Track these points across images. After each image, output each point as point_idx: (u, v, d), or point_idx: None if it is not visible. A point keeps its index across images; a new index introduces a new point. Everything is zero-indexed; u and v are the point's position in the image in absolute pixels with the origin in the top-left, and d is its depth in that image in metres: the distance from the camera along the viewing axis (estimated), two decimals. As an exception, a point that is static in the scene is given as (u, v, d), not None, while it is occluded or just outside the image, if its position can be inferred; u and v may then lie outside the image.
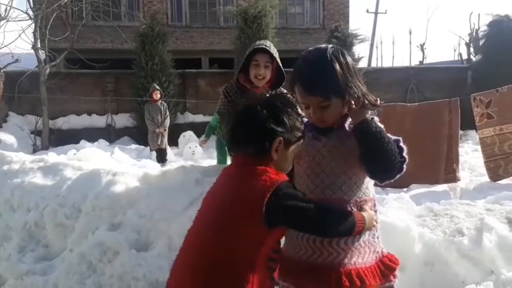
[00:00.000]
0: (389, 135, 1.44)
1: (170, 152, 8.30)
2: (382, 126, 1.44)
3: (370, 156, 1.37)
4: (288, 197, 1.26)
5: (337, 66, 1.39)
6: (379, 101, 1.48)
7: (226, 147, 4.65)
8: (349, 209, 1.40)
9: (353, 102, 1.42)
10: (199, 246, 1.30)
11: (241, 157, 1.35)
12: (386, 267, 1.45)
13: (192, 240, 1.35)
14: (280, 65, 2.89)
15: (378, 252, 1.46)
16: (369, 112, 1.42)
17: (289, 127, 1.32)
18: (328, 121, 1.45)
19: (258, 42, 2.88)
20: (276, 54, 2.85)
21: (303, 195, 1.31)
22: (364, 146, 1.37)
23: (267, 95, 1.44)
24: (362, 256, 1.40)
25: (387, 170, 1.42)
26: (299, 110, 1.41)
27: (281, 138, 1.31)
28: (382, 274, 1.43)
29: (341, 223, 1.31)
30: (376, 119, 1.45)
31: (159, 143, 7.59)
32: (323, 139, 1.47)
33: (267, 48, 2.79)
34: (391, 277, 1.46)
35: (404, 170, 1.45)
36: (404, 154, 1.46)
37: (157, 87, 7.97)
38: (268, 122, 1.30)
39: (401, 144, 1.47)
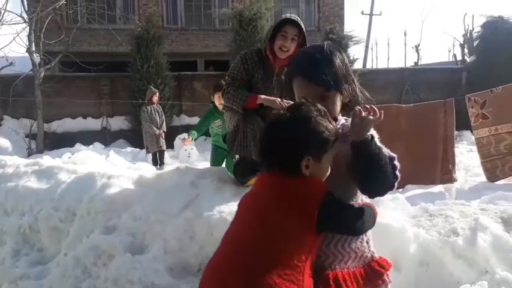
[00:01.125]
0: (385, 150, 1.44)
1: (166, 154, 8.30)
2: (381, 146, 1.43)
3: (364, 176, 1.37)
4: (336, 204, 1.30)
5: (337, 60, 1.44)
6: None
7: (221, 150, 4.62)
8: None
9: (349, 100, 1.48)
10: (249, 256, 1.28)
11: (275, 172, 1.34)
12: (373, 271, 1.44)
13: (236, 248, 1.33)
14: (306, 40, 2.88)
15: (366, 256, 1.46)
16: (371, 130, 1.40)
17: (318, 143, 1.31)
18: (328, 112, 1.44)
19: (288, 15, 2.89)
20: (304, 29, 2.86)
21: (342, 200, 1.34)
22: (360, 164, 1.36)
23: (295, 107, 1.36)
24: (346, 261, 1.40)
25: (379, 190, 1.43)
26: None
27: (308, 157, 1.29)
28: (368, 279, 1.42)
29: (370, 221, 1.41)
30: (376, 137, 1.44)
31: (160, 144, 7.60)
32: None
33: (297, 21, 2.80)
34: (379, 282, 1.45)
35: (395, 187, 1.46)
36: (397, 172, 1.46)
37: (156, 90, 8.00)
38: (292, 144, 1.30)
39: (396, 162, 1.46)
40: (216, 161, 4.30)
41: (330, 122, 1.34)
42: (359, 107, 1.35)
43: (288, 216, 1.27)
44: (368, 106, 1.35)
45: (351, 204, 1.39)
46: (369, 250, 1.48)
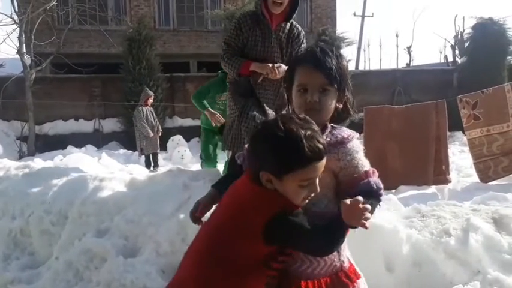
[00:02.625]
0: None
1: (159, 156, 8.27)
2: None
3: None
4: (285, 224, 1.25)
5: (343, 61, 1.46)
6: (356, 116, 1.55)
7: (214, 148, 4.58)
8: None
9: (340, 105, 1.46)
10: (201, 251, 1.33)
11: (247, 175, 1.35)
12: (339, 282, 1.40)
13: (197, 243, 1.38)
14: None
15: (335, 266, 1.40)
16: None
17: (276, 163, 1.23)
18: (322, 109, 1.42)
19: None
20: None
21: (300, 221, 1.27)
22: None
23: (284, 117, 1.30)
24: (314, 268, 1.37)
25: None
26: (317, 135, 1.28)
27: (265, 172, 1.25)
28: None
29: (333, 241, 1.30)
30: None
31: (156, 146, 7.58)
32: None
33: None
34: None
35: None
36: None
37: (152, 93, 7.97)
38: (254, 154, 1.29)
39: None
40: (206, 145, 4.24)
41: (316, 143, 1.23)
42: (347, 201, 1.22)
43: (235, 220, 1.28)
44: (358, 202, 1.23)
45: (310, 227, 1.26)
46: (339, 259, 1.42)
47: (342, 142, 1.39)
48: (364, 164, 1.40)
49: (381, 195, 1.38)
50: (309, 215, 1.33)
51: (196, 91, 4.68)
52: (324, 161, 1.26)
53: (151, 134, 7.40)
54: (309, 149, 1.21)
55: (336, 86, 1.42)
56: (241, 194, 1.33)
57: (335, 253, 1.40)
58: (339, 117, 1.51)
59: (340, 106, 1.49)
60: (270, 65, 2.85)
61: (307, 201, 1.30)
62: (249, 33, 2.97)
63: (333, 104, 1.44)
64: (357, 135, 1.45)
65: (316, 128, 1.28)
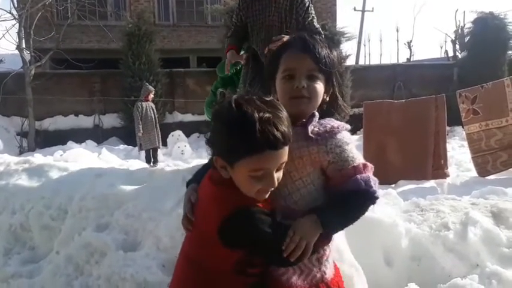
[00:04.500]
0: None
1: (159, 151, 8.28)
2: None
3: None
4: (241, 225, 1.12)
5: (333, 51, 1.36)
6: (348, 110, 1.47)
7: None
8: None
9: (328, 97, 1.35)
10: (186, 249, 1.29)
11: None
12: None
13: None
14: None
15: (315, 276, 1.27)
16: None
17: (226, 148, 1.10)
18: (312, 97, 1.29)
19: None
20: None
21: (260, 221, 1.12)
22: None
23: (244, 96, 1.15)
24: (289, 277, 1.24)
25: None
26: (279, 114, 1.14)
27: (219, 157, 1.13)
28: None
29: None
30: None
31: (157, 141, 7.58)
32: None
33: None
34: None
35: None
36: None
37: (152, 88, 7.95)
38: (211, 135, 1.16)
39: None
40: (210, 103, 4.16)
41: (273, 129, 1.07)
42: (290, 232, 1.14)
43: (200, 222, 1.20)
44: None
45: (269, 229, 1.13)
46: (320, 269, 1.28)
47: (332, 132, 1.26)
48: (356, 158, 1.27)
49: (371, 193, 1.22)
50: (279, 209, 1.23)
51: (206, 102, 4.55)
52: (282, 152, 1.10)
53: (141, 132, 7.35)
54: (262, 135, 1.05)
55: (324, 74, 1.31)
56: (204, 191, 1.24)
57: (314, 262, 1.27)
58: (324, 113, 1.36)
59: (327, 99, 1.37)
60: (244, 55, 3.01)
61: (264, 196, 1.15)
62: (248, 8, 3.02)
63: (321, 92, 1.32)
64: (347, 126, 1.32)
65: (281, 114, 1.12)
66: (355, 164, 1.25)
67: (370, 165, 1.28)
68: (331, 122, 1.30)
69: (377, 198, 1.25)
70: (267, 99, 1.15)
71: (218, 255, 1.15)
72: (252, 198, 1.14)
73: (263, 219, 1.13)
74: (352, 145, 1.29)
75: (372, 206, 1.28)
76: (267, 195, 1.15)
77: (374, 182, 1.25)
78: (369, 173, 1.26)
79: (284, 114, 1.12)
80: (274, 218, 1.16)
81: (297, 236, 1.13)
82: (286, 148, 1.11)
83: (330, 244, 1.30)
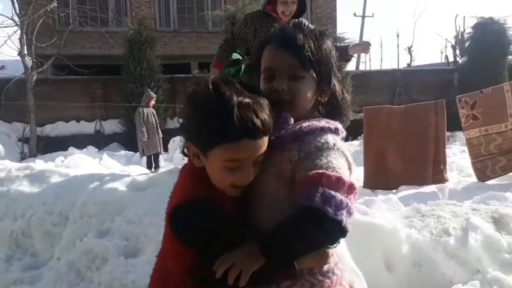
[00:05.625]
0: None
1: (160, 157, 8.29)
2: None
3: None
4: (181, 225, 1.00)
5: (324, 42, 1.12)
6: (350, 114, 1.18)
7: None
8: None
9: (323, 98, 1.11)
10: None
11: None
12: None
13: None
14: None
15: None
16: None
17: (198, 131, 0.99)
18: (294, 101, 1.07)
19: None
20: None
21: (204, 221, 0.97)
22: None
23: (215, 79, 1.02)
24: None
25: None
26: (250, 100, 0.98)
27: (191, 144, 1.02)
28: None
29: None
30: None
31: (158, 146, 7.60)
32: None
33: None
34: None
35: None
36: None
37: (154, 95, 7.99)
38: (184, 119, 1.03)
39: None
40: None
41: (252, 116, 0.95)
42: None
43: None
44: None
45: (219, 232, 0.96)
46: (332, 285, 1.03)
47: (300, 133, 1.02)
48: (327, 167, 0.95)
49: (331, 218, 0.90)
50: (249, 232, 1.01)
51: None
52: (261, 142, 0.97)
53: (146, 137, 7.37)
54: (240, 121, 0.94)
55: (312, 71, 1.08)
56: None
57: (318, 277, 1.02)
58: (329, 116, 1.12)
59: (324, 100, 1.13)
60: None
61: (237, 191, 1.01)
62: (256, 26, 3.10)
63: (309, 94, 1.09)
64: (335, 127, 1.06)
65: (262, 100, 0.99)
66: (318, 171, 0.94)
67: (348, 183, 0.95)
68: (308, 123, 1.05)
69: (342, 228, 0.93)
70: (249, 84, 1.05)
71: (173, 250, 1.03)
72: (220, 196, 1.00)
73: (210, 221, 0.97)
74: (335, 154, 1.00)
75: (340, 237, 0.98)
76: (239, 192, 1.01)
77: (342, 205, 0.92)
78: (341, 192, 0.93)
79: (266, 101, 1.00)
80: (231, 227, 0.98)
81: (228, 260, 0.94)
82: (266, 138, 0.99)
83: (333, 266, 1.04)
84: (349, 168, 1.04)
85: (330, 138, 1.02)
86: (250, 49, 3.22)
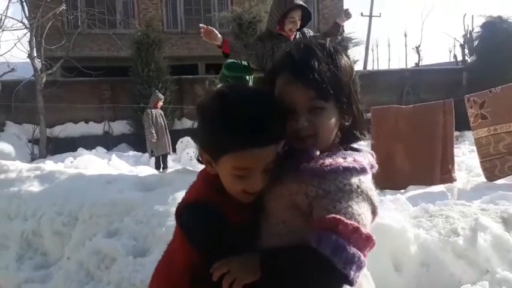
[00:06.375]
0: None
1: (168, 158, 8.33)
2: None
3: None
4: (183, 222, 1.04)
5: (342, 62, 1.02)
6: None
7: None
8: None
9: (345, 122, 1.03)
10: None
11: None
12: None
13: None
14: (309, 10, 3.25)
15: None
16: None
17: (209, 137, 0.99)
18: (318, 134, 1.00)
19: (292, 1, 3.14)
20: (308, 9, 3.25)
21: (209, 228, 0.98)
22: None
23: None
24: None
25: None
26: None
27: (203, 151, 1.03)
28: None
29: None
30: None
31: (167, 147, 7.66)
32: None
33: (302, 5, 3.16)
34: None
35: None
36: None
37: (162, 96, 8.04)
38: (198, 127, 1.04)
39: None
40: None
41: (261, 123, 0.94)
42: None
43: None
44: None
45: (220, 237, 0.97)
46: None
47: (322, 170, 0.95)
48: (344, 213, 0.89)
49: (333, 266, 0.86)
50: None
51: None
52: (269, 150, 0.97)
53: (155, 138, 7.43)
54: (245, 130, 0.93)
55: (334, 99, 0.99)
56: None
57: None
58: (347, 138, 1.06)
59: (348, 123, 1.05)
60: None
61: (249, 197, 1.01)
62: (274, 46, 3.21)
63: (332, 123, 1.01)
64: (362, 167, 0.97)
65: (271, 107, 0.97)
66: (335, 216, 0.89)
67: (365, 236, 0.89)
68: (331, 159, 0.97)
69: (347, 282, 0.88)
70: (259, 90, 1.05)
71: (180, 242, 1.05)
72: (229, 202, 1.01)
73: (208, 223, 0.98)
74: (358, 198, 0.93)
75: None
76: (251, 198, 1.01)
77: (354, 258, 0.87)
78: (355, 244, 0.87)
79: (275, 108, 0.98)
80: (229, 233, 0.98)
81: (225, 266, 0.94)
82: (274, 147, 0.98)
83: None
84: (373, 212, 0.97)
85: (354, 179, 0.95)
86: (264, 66, 3.28)
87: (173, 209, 2.73)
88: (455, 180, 4.97)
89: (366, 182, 0.97)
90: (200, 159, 1.06)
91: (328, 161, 0.96)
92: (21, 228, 3.08)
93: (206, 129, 1.00)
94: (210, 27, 3.09)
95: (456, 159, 5.32)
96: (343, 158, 0.98)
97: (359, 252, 0.88)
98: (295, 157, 1.00)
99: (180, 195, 2.92)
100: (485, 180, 5.03)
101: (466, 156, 7.47)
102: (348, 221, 0.88)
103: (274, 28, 3.15)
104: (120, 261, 2.51)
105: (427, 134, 5.02)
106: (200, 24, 3.17)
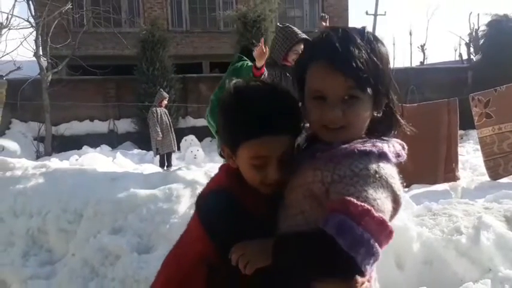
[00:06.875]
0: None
1: (173, 156, 8.36)
2: None
3: None
4: (203, 210, 1.06)
5: (381, 50, 0.96)
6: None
7: None
8: None
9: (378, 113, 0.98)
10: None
11: None
12: None
13: None
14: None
15: None
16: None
17: (228, 131, 1.04)
18: (350, 126, 0.94)
19: (297, 33, 3.25)
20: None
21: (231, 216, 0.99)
22: None
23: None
24: None
25: None
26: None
27: (224, 145, 1.06)
28: None
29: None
30: None
31: (173, 145, 7.70)
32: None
33: (306, 38, 3.22)
34: None
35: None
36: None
37: (167, 95, 8.08)
38: (219, 124, 1.08)
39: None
40: None
41: (272, 111, 0.96)
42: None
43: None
44: None
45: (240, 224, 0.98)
46: None
47: (338, 155, 0.92)
48: (358, 196, 0.84)
49: (339, 249, 0.81)
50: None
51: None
52: (281, 138, 0.99)
53: (161, 136, 7.47)
54: (258, 118, 0.96)
55: (370, 90, 0.93)
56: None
57: None
58: (374, 132, 1.00)
59: (379, 115, 0.99)
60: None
61: (269, 189, 1.01)
62: (282, 72, 3.32)
63: (367, 115, 0.96)
64: (384, 152, 0.93)
65: (283, 96, 1.01)
66: (346, 197, 0.84)
67: (378, 220, 0.83)
68: (347, 145, 0.93)
69: (355, 267, 0.82)
70: (272, 83, 1.08)
71: (196, 233, 1.06)
72: (249, 193, 1.02)
73: (233, 211, 1.00)
74: (375, 183, 0.87)
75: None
76: (271, 189, 1.02)
77: (361, 241, 0.82)
78: (364, 227, 0.82)
79: (289, 98, 1.01)
80: (253, 223, 0.99)
81: (241, 249, 0.94)
82: (288, 136, 1.00)
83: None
84: (395, 202, 0.90)
85: (372, 164, 0.89)
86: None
87: (176, 207, 2.77)
88: (458, 179, 4.96)
89: (387, 168, 0.91)
90: (222, 154, 1.09)
91: (343, 146, 0.92)
92: (27, 225, 3.11)
93: (224, 123, 1.05)
94: (267, 48, 3.20)
95: (460, 158, 5.31)
96: (360, 143, 0.93)
97: (369, 235, 0.82)
98: (313, 146, 0.98)
99: (184, 193, 2.95)
100: (489, 179, 5.02)
101: (470, 155, 7.45)
102: (359, 203, 0.83)
103: (279, 59, 3.34)
104: (124, 258, 2.53)
105: (431, 132, 5.01)
106: (261, 40, 3.29)
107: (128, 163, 7.68)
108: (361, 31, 0.96)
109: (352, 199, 0.83)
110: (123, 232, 2.73)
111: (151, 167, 7.05)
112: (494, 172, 4.94)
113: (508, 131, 4.95)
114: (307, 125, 1.03)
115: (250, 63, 3.71)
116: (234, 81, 1.07)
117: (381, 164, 0.90)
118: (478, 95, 5.15)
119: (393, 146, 0.97)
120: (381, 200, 0.86)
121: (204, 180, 3.00)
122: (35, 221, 3.13)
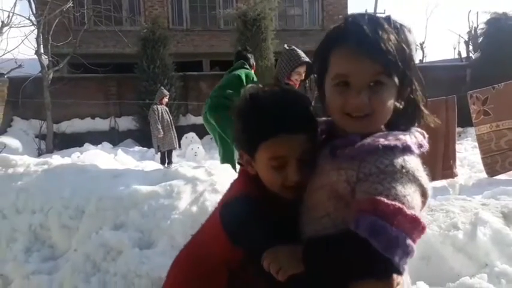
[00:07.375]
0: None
1: (173, 153, 8.40)
2: None
3: None
4: (226, 217, 1.06)
5: (407, 35, 0.93)
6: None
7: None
8: None
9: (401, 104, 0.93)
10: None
11: None
12: None
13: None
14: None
15: None
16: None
17: (244, 137, 1.06)
18: (375, 113, 0.90)
19: (301, 56, 3.44)
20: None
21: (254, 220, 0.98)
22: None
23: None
24: None
25: None
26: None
27: (242, 151, 1.08)
28: None
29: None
30: None
31: (174, 142, 7.74)
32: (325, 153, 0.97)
33: (308, 61, 3.42)
34: None
35: None
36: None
37: (167, 93, 8.12)
38: (236, 130, 1.08)
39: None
40: (227, 155, 4.16)
41: (287, 110, 0.97)
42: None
43: (214, 215, 1.16)
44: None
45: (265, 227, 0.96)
46: None
47: (361, 151, 0.87)
48: (387, 194, 0.81)
49: (373, 252, 0.79)
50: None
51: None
52: (299, 137, 0.98)
53: (162, 134, 7.51)
54: (274, 117, 0.97)
55: (396, 76, 0.89)
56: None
57: None
58: (396, 123, 0.97)
59: (401, 106, 0.96)
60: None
61: (290, 192, 1.00)
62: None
63: (392, 102, 0.92)
64: (408, 146, 0.90)
65: (297, 97, 1.02)
66: (375, 197, 0.81)
67: (410, 217, 0.80)
68: (369, 139, 0.88)
69: (393, 267, 0.80)
70: (285, 86, 1.10)
71: (218, 240, 1.06)
72: (269, 198, 1.02)
73: (257, 216, 0.99)
74: (403, 179, 0.84)
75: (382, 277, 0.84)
76: (292, 193, 1.01)
77: (397, 242, 0.79)
78: (398, 227, 0.79)
79: (303, 99, 1.03)
80: (276, 225, 0.97)
81: (273, 254, 0.91)
82: (306, 135, 0.98)
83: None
84: (423, 195, 0.89)
85: (398, 159, 0.86)
86: None
87: (177, 203, 2.80)
88: (456, 175, 5.00)
89: (412, 161, 0.89)
90: (241, 161, 1.09)
91: (366, 141, 0.88)
92: (29, 222, 3.13)
93: (241, 127, 1.05)
94: None
95: (458, 155, 5.34)
96: (383, 137, 0.89)
97: (404, 235, 0.80)
98: (331, 143, 0.94)
99: (185, 190, 2.97)
100: (486, 176, 5.05)
101: (468, 152, 7.48)
102: (390, 202, 0.80)
103: (283, 78, 3.50)
104: (126, 253, 2.56)
105: (429, 129, 5.02)
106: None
107: (129, 160, 7.71)
108: (387, 17, 0.93)
109: (382, 198, 0.81)
110: (124, 228, 2.75)
111: (152, 164, 7.07)
112: (492, 169, 4.98)
113: (506, 129, 4.98)
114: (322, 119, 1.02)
115: (255, 79, 4.01)
116: (248, 88, 1.09)
117: (406, 158, 0.88)
118: (476, 92, 5.18)
119: (415, 137, 0.95)
120: (410, 196, 0.83)
121: (204, 177, 3.03)
122: (37, 217, 3.15)
